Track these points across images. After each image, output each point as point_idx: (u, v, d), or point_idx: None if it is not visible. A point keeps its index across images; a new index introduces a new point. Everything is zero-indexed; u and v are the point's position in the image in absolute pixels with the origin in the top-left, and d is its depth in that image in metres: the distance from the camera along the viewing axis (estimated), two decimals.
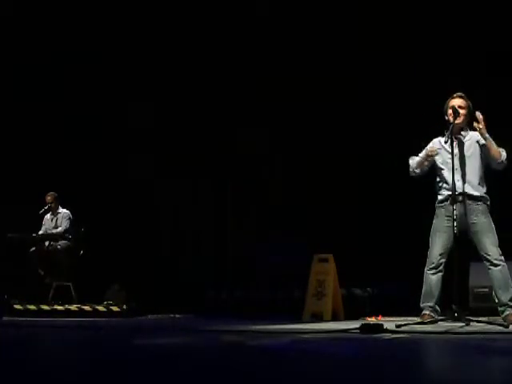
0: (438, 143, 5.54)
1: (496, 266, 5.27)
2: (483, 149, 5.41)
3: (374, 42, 8.17)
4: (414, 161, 5.59)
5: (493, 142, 5.32)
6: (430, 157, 5.46)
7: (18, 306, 8.27)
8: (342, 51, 8.37)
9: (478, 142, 5.44)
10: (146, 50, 9.53)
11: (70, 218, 8.95)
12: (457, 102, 5.45)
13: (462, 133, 5.49)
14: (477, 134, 5.41)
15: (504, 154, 5.36)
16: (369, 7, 8.23)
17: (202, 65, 9.28)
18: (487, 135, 5.28)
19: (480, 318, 5.22)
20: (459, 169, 5.40)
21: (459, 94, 5.51)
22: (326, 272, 7.08)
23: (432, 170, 5.62)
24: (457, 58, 7.66)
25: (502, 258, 5.30)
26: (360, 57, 8.26)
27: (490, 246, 5.31)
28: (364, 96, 8.22)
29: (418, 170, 5.57)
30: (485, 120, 5.23)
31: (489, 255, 5.29)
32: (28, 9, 9.75)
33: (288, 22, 8.77)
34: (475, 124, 5.25)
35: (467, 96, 5.51)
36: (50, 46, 9.89)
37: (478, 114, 5.22)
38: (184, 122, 9.41)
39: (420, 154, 5.58)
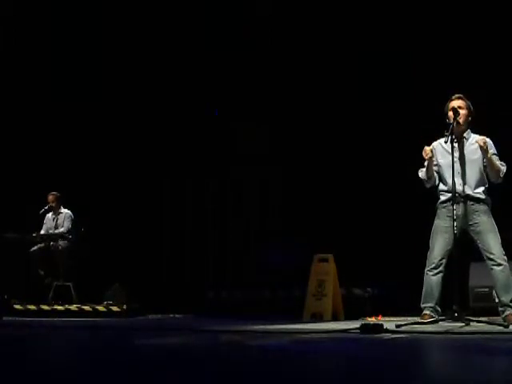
0: (437, 145, 5.54)
1: (499, 265, 5.26)
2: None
3: (374, 41, 8.18)
4: (422, 173, 5.58)
5: (494, 159, 5.34)
6: (429, 159, 5.43)
7: (17, 306, 8.27)
8: (341, 50, 8.38)
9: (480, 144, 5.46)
10: (145, 49, 9.53)
11: (71, 219, 8.94)
12: (456, 103, 5.47)
13: (465, 134, 5.50)
14: (479, 136, 5.45)
15: (503, 169, 5.39)
16: (369, 8, 8.24)
17: (202, 64, 9.28)
18: (490, 152, 5.31)
19: (480, 318, 5.22)
20: (460, 170, 5.39)
21: (458, 95, 5.52)
22: (326, 272, 7.08)
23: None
24: (457, 58, 7.65)
25: (505, 257, 5.29)
26: (360, 56, 8.26)
27: (493, 245, 5.30)
28: (364, 96, 8.22)
29: (429, 179, 5.54)
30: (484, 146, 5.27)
31: (493, 254, 5.28)
32: (32, 9, 9.76)
33: (289, 22, 8.77)
34: (478, 141, 5.27)
35: (466, 97, 5.53)
36: (49, 45, 9.91)
37: (482, 141, 5.25)
38: (184, 122, 9.41)
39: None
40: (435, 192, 5.59)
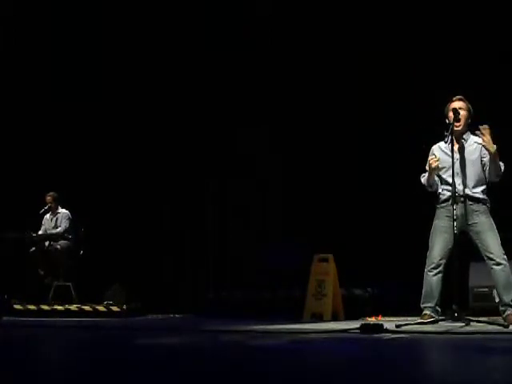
0: (437, 149, 5.57)
1: (499, 264, 5.27)
2: (484, 154, 5.42)
3: (374, 41, 8.17)
4: (424, 178, 5.60)
5: (497, 156, 5.34)
6: (434, 170, 5.44)
7: (18, 306, 8.27)
8: (341, 50, 8.37)
9: (479, 145, 5.46)
10: (145, 49, 9.53)
11: (69, 218, 8.96)
12: (457, 104, 5.49)
13: (464, 135, 5.51)
14: (478, 138, 5.46)
15: (503, 168, 5.39)
16: (369, 8, 8.24)
17: (202, 64, 9.28)
18: (494, 148, 5.28)
19: (480, 318, 5.22)
20: (460, 170, 5.41)
21: (459, 96, 5.54)
22: (326, 272, 7.08)
23: None
24: (457, 59, 7.65)
25: (505, 257, 5.30)
26: (360, 56, 8.26)
27: (492, 245, 5.31)
28: (364, 95, 8.21)
29: (431, 186, 5.57)
30: (491, 133, 5.22)
31: (492, 254, 5.29)
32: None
33: (288, 22, 8.77)
34: (478, 133, 5.26)
35: (466, 98, 5.54)
36: (49, 45, 9.91)
37: (484, 128, 5.21)
38: (184, 122, 9.41)
39: (426, 167, 5.56)
40: (435, 192, 5.60)
